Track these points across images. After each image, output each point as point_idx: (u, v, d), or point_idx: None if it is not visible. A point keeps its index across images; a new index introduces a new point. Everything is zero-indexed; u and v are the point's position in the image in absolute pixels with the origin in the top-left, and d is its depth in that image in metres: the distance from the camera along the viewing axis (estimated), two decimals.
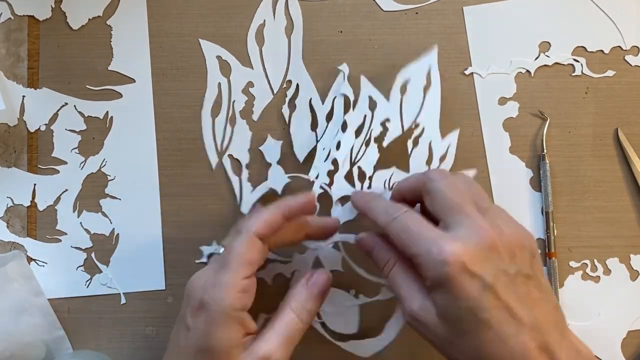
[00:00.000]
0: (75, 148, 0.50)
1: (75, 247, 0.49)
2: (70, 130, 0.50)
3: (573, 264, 0.48)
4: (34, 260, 0.49)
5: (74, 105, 0.50)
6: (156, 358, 0.48)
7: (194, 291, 0.38)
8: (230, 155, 0.49)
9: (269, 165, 0.49)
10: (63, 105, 0.50)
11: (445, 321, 0.35)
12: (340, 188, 0.48)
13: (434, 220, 0.38)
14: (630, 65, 0.50)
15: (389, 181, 0.48)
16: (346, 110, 0.49)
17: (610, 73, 0.50)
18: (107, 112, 0.50)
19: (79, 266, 0.49)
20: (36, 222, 0.49)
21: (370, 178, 0.48)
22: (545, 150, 0.48)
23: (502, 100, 0.50)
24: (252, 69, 0.50)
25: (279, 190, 0.49)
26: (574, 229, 0.48)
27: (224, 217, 0.49)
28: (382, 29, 0.50)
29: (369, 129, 0.48)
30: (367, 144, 0.48)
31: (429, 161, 0.48)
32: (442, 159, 0.48)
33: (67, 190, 0.49)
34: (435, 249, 0.34)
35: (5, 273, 0.46)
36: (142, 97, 0.50)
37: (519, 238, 0.36)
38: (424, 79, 0.48)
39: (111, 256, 0.49)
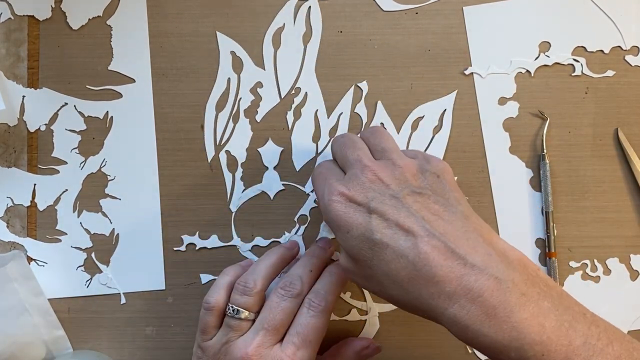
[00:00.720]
0: (75, 148, 0.50)
1: (75, 247, 0.49)
2: (70, 130, 0.50)
3: (573, 264, 0.48)
4: (34, 260, 0.49)
5: (74, 105, 0.50)
6: (156, 358, 0.48)
7: None
8: (227, 151, 0.50)
9: (266, 168, 0.49)
10: (63, 105, 0.50)
11: (352, 258, 0.37)
12: None
13: None
14: (630, 65, 0.50)
15: None
16: (353, 130, 0.49)
17: (610, 73, 0.50)
18: (107, 112, 0.50)
19: (79, 266, 0.49)
20: (36, 222, 0.49)
21: None
22: (545, 150, 0.48)
23: (502, 100, 0.50)
24: (264, 70, 0.50)
25: (272, 195, 0.49)
26: (574, 229, 0.48)
27: (224, 217, 0.49)
28: (382, 29, 0.50)
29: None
30: None
31: None
32: None
33: (67, 190, 0.49)
34: (326, 192, 0.38)
35: (5, 273, 0.46)
36: (142, 97, 0.50)
37: (412, 165, 0.39)
38: (437, 120, 0.49)
39: (111, 256, 0.49)
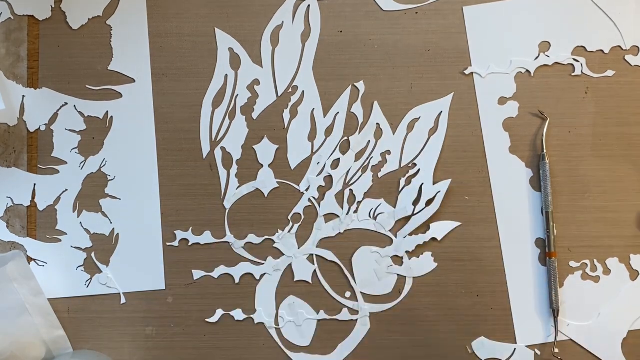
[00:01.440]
0: (75, 148, 0.50)
1: (75, 247, 0.49)
2: (70, 130, 0.50)
3: (573, 264, 0.48)
4: (34, 260, 0.49)
5: (74, 105, 0.50)
6: (156, 358, 0.48)
7: None
8: (222, 148, 0.50)
9: (261, 166, 0.49)
10: (63, 105, 0.50)
11: None
12: (328, 205, 0.49)
13: None
14: (630, 65, 0.50)
15: (375, 211, 0.49)
16: (349, 130, 0.49)
17: (610, 73, 0.50)
18: (107, 112, 0.50)
19: (79, 266, 0.49)
20: (36, 222, 0.49)
21: (359, 203, 0.49)
22: (545, 150, 0.48)
23: (502, 100, 0.50)
24: (262, 67, 0.50)
25: (266, 193, 0.49)
26: (574, 229, 0.48)
27: (218, 214, 0.49)
28: (382, 29, 0.50)
29: (369, 156, 0.49)
30: (364, 170, 0.49)
31: (415, 202, 0.49)
32: (429, 202, 0.49)
33: (67, 190, 0.49)
34: None
35: (5, 273, 0.46)
36: (142, 97, 0.50)
37: None
38: (433, 122, 0.49)
39: (111, 256, 0.49)
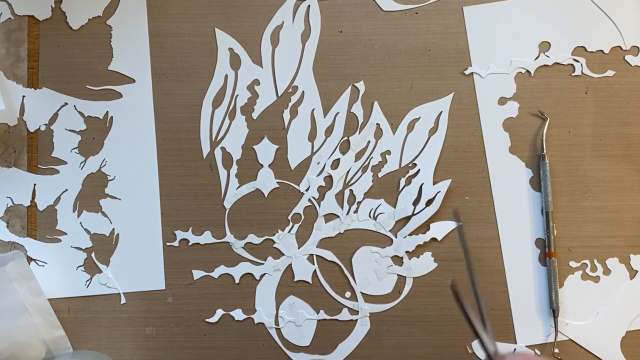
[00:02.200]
0: (75, 148, 0.50)
1: (75, 247, 0.49)
2: (70, 130, 0.50)
3: (573, 264, 0.48)
4: (34, 260, 0.49)
5: (74, 105, 0.50)
6: (156, 358, 0.48)
7: None
8: (222, 148, 0.50)
9: (261, 166, 0.49)
10: (63, 105, 0.50)
11: None
12: (328, 205, 0.49)
13: None
14: (630, 65, 0.50)
15: (375, 211, 0.49)
16: (349, 130, 0.49)
17: (610, 73, 0.50)
18: (107, 112, 0.50)
19: (79, 266, 0.49)
20: (36, 222, 0.49)
21: (359, 203, 0.49)
22: (545, 150, 0.48)
23: (502, 100, 0.50)
24: (262, 67, 0.50)
25: (266, 193, 0.49)
26: (574, 229, 0.48)
27: (218, 214, 0.49)
28: (382, 29, 0.50)
29: (369, 156, 0.49)
30: (364, 170, 0.49)
31: (416, 202, 0.49)
32: (429, 202, 0.49)
33: (67, 190, 0.49)
34: None
35: (5, 273, 0.46)
36: (142, 97, 0.50)
37: None
38: (433, 122, 0.49)
39: (111, 256, 0.49)
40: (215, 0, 0.51)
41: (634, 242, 0.48)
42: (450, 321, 0.48)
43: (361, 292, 0.48)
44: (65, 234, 0.49)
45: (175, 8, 0.51)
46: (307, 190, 0.49)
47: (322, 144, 0.50)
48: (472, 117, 0.50)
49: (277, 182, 0.49)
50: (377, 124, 0.49)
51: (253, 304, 0.48)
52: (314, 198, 0.49)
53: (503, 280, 0.48)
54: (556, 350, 0.47)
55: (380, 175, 0.49)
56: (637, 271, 0.48)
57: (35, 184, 0.50)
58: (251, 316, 0.48)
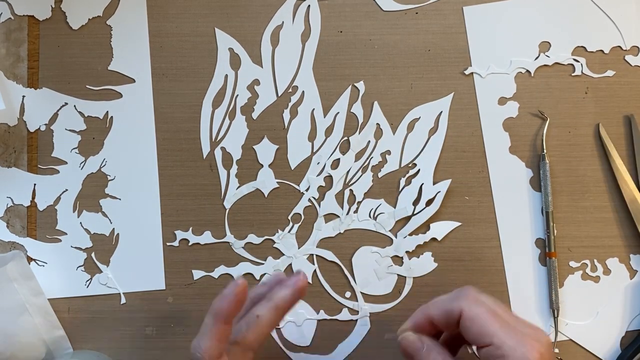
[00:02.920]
0: (75, 148, 0.50)
1: (75, 247, 0.49)
2: (70, 130, 0.50)
3: (573, 264, 0.48)
4: (34, 260, 0.49)
5: (74, 105, 0.50)
6: (156, 358, 0.48)
7: None
8: (223, 148, 0.50)
9: (261, 166, 0.49)
10: (63, 105, 0.50)
11: None
12: (328, 205, 0.49)
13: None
14: (630, 65, 0.50)
15: (375, 211, 0.49)
16: (349, 130, 0.49)
17: (610, 73, 0.50)
18: (107, 112, 0.50)
19: (79, 266, 0.49)
20: (36, 222, 0.49)
21: (359, 203, 0.49)
22: (545, 150, 0.48)
23: (502, 100, 0.50)
24: (262, 67, 0.50)
25: (266, 193, 0.49)
26: (574, 229, 0.48)
27: (218, 214, 0.49)
28: (382, 29, 0.50)
29: (369, 156, 0.49)
30: (364, 170, 0.49)
31: (416, 202, 0.49)
32: (429, 203, 0.49)
33: (67, 190, 0.49)
34: (524, 347, 0.36)
35: (5, 273, 0.46)
36: (142, 97, 0.50)
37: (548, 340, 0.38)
38: (433, 122, 0.49)
39: (111, 256, 0.49)
40: (215, 0, 0.51)
41: (634, 242, 0.48)
42: None
43: (361, 292, 0.48)
44: (65, 234, 0.49)
45: (175, 8, 0.51)
46: (307, 190, 0.49)
47: (322, 144, 0.50)
48: (472, 117, 0.50)
49: (277, 182, 0.49)
50: (377, 124, 0.49)
51: None
52: (314, 198, 0.49)
53: (503, 280, 0.48)
54: (556, 350, 0.47)
55: (380, 175, 0.49)
56: (637, 271, 0.48)
57: (35, 184, 0.50)
58: None
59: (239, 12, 0.51)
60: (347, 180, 0.49)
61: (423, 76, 0.50)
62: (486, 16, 0.50)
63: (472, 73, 0.50)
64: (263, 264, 0.49)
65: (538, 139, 0.49)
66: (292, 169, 0.49)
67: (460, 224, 0.48)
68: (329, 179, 0.49)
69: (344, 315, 0.48)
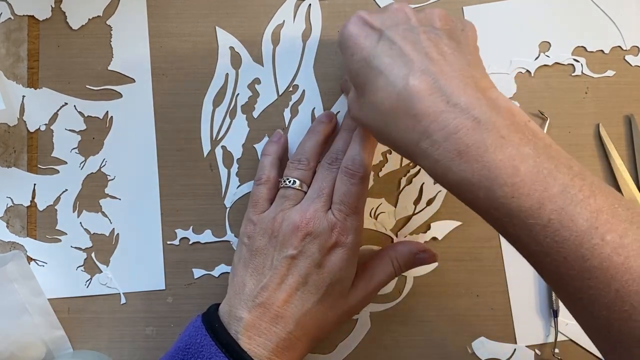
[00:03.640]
0: (75, 148, 0.50)
1: (75, 247, 0.49)
2: (70, 130, 0.50)
3: None
4: (34, 260, 0.49)
5: (74, 105, 0.50)
6: (156, 358, 0.48)
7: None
8: (223, 147, 0.50)
9: None
10: (63, 105, 0.50)
11: (353, 85, 0.38)
12: None
13: None
14: (630, 65, 0.50)
15: (375, 211, 0.49)
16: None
17: (610, 73, 0.50)
18: (107, 112, 0.50)
19: (79, 266, 0.49)
20: (36, 222, 0.49)
21: None
22: None
23: None
24: (262, 66, 0.50)
25: None
26: None
27: (218, 213, 0.49)
28: None
29: None
30: None
31: (416, 201, 0.49)
32: (430, 202, 0.49)
33: (67, 190, 0.49)
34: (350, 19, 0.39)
35: (5, 273, 0.46)
36: (142, 97, 0.50)
37: (443, 14, 0.38)
38: None
39: (111, 256, 0.49)
40: (215, 0, 0.51)
41: None
42: (450, 321, 0.48)
43: None
44: (65, 234, 0.49)
45: (175, 8, 0.51)
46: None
47: None
48: None
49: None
50: None
51: None
52: None
53: (503, 280, 0.48)
54: (556, 350, 0.47)
55: (380, 174, 0.49)
56: None
57: (35, 184, 0.50)
58: None
59: (239, 11, 0.51)
60: None
61: None
62: (486, 16, 0.50)
63: None
64: None
65: None
66: None
67: (460, 223, 0.48)
68: None
69: None
